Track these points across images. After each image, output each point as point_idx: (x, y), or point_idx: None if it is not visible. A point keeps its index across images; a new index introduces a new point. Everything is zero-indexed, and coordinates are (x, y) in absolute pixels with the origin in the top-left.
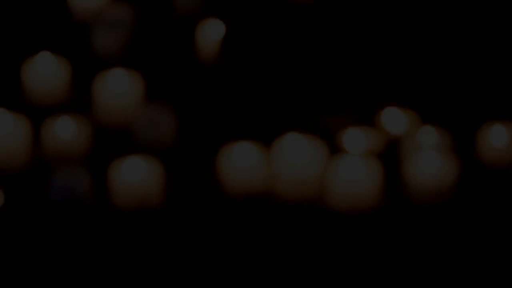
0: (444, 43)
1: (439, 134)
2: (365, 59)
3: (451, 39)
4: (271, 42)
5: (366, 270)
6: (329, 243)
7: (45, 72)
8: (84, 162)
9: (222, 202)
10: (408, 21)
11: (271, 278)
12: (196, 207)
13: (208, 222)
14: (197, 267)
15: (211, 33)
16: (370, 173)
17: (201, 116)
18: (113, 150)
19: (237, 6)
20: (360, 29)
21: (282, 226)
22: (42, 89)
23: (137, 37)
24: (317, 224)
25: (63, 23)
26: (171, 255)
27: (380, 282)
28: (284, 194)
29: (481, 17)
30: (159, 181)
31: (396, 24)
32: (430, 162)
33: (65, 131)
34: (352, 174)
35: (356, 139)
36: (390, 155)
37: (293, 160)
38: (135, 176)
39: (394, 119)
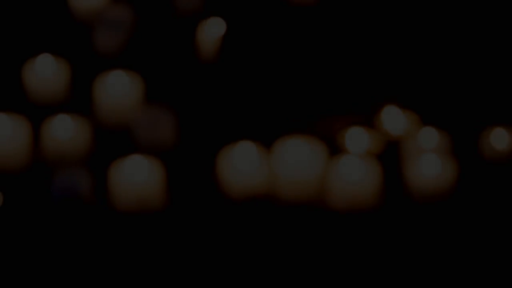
0: (445, 45)
1: (439, 135)
2: (366, 60)
3: (452, 40)
4: (272, 43)
5: (367, 270)
6: (329, 244)
7: (46, 73)
8: (85, 163)
9: (222, 203)
10: (409, 22)
11: (272, 279)
12: (197, 208)
13: (209, 223)
14: (197, 268)
15: (211, 33)
16: (370, 174)
17: (201, 117)
18: (113, 151)
19: (238, 7)
20: (361, 30)
21: (283, 227)
22: (43, 90)
23: (137, 37)
24: (318, 225)
25: (63, 24)
26: (171, 256)
27: (381, 282)
28: (284, 195)
29: (482, 18)
30: (160, 182)
31: (397, 25)
32: (430, 163)
33: (65, 132)
34: (352, 175)
35: (357, 139)
36: (390, 156)
37: (293, 161)
38: (136, 177)
39: (395, 120)
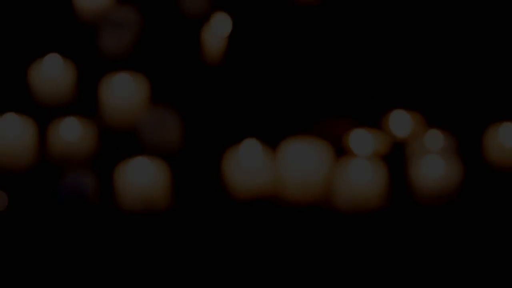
0: (449, 46)
1: (444, 136)
2: (371, 62)
3: (456, 42)
4: (277, 45)
5: (372, 271)
6: (335, 245)
7: (52, 74)
8: (90, 164)
9: (227, 204)
10: (414, 24)
11: (277, 279)
12: (202, 209)
13: (214, 224)
14: (203, 268)
15: (217, 34)
16: (375, 176)
17: (207, 118)
18: (119, 152)
19: (243, 9)
20: (366, 32)
21: (288, 228)
22: (49, 91)
23: (143, 39)
24: (323, 226)
25: (69, 25)
26: (177, 256)
27: (386, 283)
28: (290, 196)
29: (485, 20)
30: (165, 183)
31: (402, 27)
32: (435, 164)
33: (71, 133)
34: (358, 176)
35: (363, 141)
36: (396, 157)
37: (299, 163)
38: (141, 178)
39: (400, 122)
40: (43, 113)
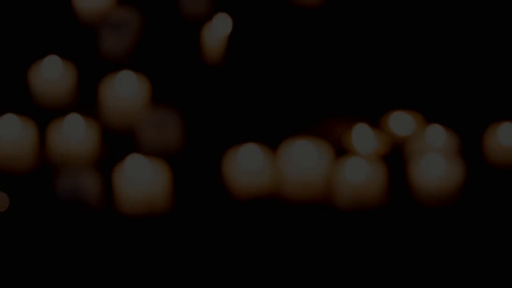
0: (449, 44)
1: (445, 135)
2: (370, 61)
3: (456, 40)
4: (278, 45)
5: (372, 271)
6: (335, 245)
7: (52, 75)
8: (91, 165)
9: (228, 205)
10: (414, 22)
11: (277, 280)
12: (203, 210)
13: (215, 225)
14: (204, 270)
15: (217, 35)
16: (375, 175)
17: (207, 119)
18: (119, 153)
19: (244, 10)
20: (365, 31)
21: (289, 229)
22: (49, 92)
23: (143, 40)
24: (324, 226)
25: (69, 26)
26: (178, 258)
27: (386, 283)
28: (290, 196)
29: (485, 18)
30: (166, 184)
31: (401, 25)
32: (436, 164)
33: (72, 134)
34: (358, 176)
35: (362, 140)
36: (396, 157)
37: (299, 163)
38: (142, 179)
39: (400, 121)
40: (43, 114)
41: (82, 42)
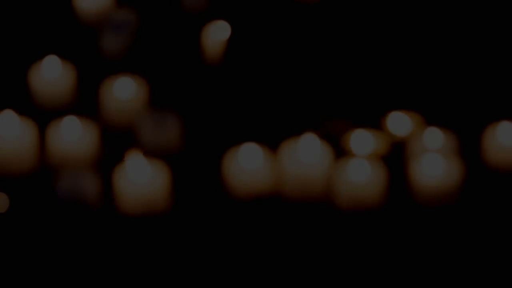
0: (447, 45)
1: (444, 135)
2: (370, 61)
3: (455, 40)
4: (277, 44)
5: (372, 271)
6: (334, 245)
7: (52, 75)
8: (90, 166)
9: (228, 205)
10: (413, 22)
11: (277, 279)
12: (202, 210)
13: (214, 226)
14: (203, 270)
15: (216, 35)
16: (375, 175)
17: (206, 120)
18: (119, 153)
19: (242, 10)
20: (364, 31)
21: (288, 228)
22: (49, 93)
23: (142, 40)
24: (323, 226)
25: (69, 26)
26: (177, 258)
27: (385, 283)
28: (290, 196)
29: (484, 18)
30: (165, 185)
31: (401, 25)
32: (435, 164)
33: (71, 134)
34: (358, 177)
35: (362, 141)
36: (395, 157)
37: (299, 163)
38: (141, 180)
39: (399, 121)
40: (43, 115)
41: (82, 42)
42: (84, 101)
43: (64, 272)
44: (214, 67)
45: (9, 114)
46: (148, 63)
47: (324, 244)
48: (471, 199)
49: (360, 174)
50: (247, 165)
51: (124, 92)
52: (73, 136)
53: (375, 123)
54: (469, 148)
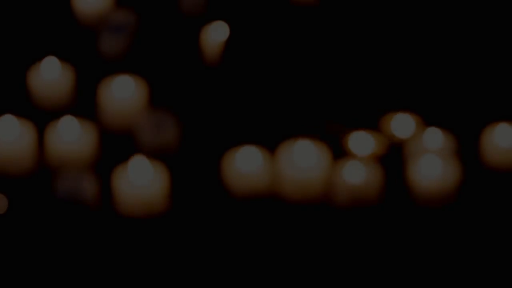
0: (446, 46)
1: (443, 137)
2: (368, 63)
3: (454, 41)
4: (275, 46)
5: (370, 272)
6: (333, 246)
7: (50, 77)
8: (89, 167)
9: (226, 207)
10: (412, 23)
11: (276, 280)
12: (201, 211)
13: (213, 227)
14: (202, 271)
15: (215, 37)
16: (373, 176)
17: (205, 121)
18: (117, 155)
19: (241, 10)
20: (363, 32)
21: (287, 230)
22: (47, 94)
23: (141, 41)
24: (322, 227)
25: (68, 27)
26: (176, 259)
27: (385, 283)
28: (288, 197)
29: (483, 18)
30: (164, 186)
31: (400, 26)
32: (433, 165)
33: (70, 136)
34: (356, 177)
35: (361, 142)
36: (394, 158)
37: (297, 165)
38: (140, 181)
39: (398, 123)
40: (42, 116)
41: (81, 43)
42: (83, 102)
43: (63, 273)
44: (212, 68)
45: (8, 115)
46: (147, 64)
47: (323, 245)
48: (469, 200)
49: (358, 175)
50: (246, 167)
51: (123, 93)
52: (72, 137)
53: (374, 124)
54: (467, 149)
